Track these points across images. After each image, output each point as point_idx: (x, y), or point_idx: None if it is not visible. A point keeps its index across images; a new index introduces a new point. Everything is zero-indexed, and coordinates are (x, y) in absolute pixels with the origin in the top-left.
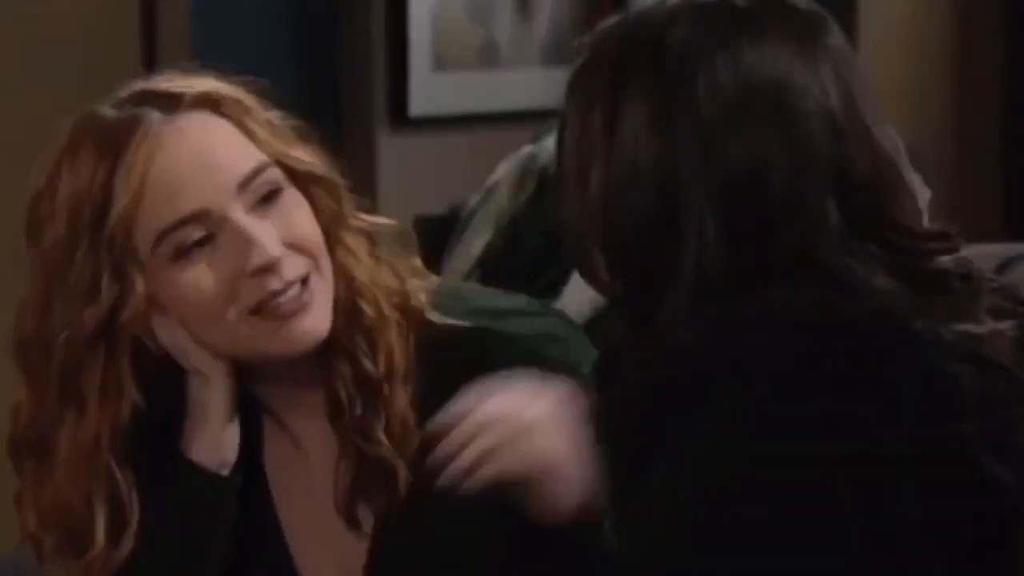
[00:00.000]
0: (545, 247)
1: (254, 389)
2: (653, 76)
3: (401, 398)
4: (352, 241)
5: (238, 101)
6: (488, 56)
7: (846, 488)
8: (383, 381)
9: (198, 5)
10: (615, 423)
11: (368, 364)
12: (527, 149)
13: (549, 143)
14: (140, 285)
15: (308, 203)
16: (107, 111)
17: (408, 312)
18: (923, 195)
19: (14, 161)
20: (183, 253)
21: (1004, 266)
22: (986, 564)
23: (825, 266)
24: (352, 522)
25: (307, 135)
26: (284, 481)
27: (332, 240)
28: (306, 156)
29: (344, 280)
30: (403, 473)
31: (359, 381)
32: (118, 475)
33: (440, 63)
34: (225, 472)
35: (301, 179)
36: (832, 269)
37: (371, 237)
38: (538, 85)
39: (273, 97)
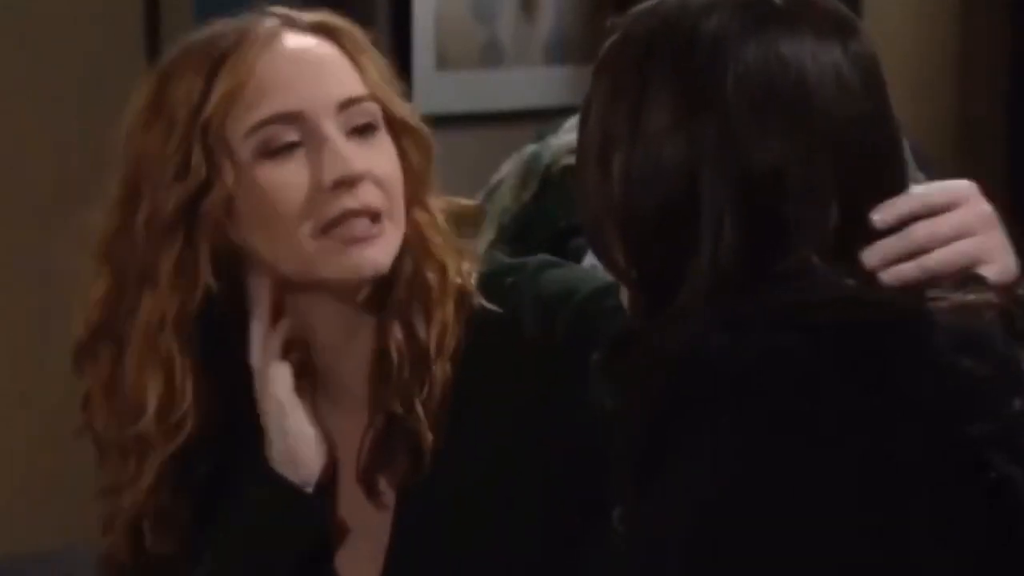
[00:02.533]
0: (548, 246)
1: (299, 352)
2: (683, 65)
3: (443, 375)
4: (432, 206)
5: (354, 36)
6: (491, 55)
7: (857, 489)
8: (433, 354)
9: (201, 4)
10: (626, 422)
11: (422, 332)
12: (530, 148)
13: (553, 142)
14: (229, 173)
15: (397, 153)
16: (220, 22)
17: (463, 294)
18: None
19: (14, 159)
20: (270, 152)
21: None
22: (996, 566)
23: (836, 268)
24: (371, 490)
25: (406, 95)
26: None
27: (412, 196)
28: (409, 110)
29: (417, 243)
30: (429, 449)
31: (410, 347)
32: (177, 359)
33: (443, 62)
34: (309, 489)
35: (397, 128)
36: (842, 271)
37: (447, 213)
38: (541, 84)
39: (380, 49)
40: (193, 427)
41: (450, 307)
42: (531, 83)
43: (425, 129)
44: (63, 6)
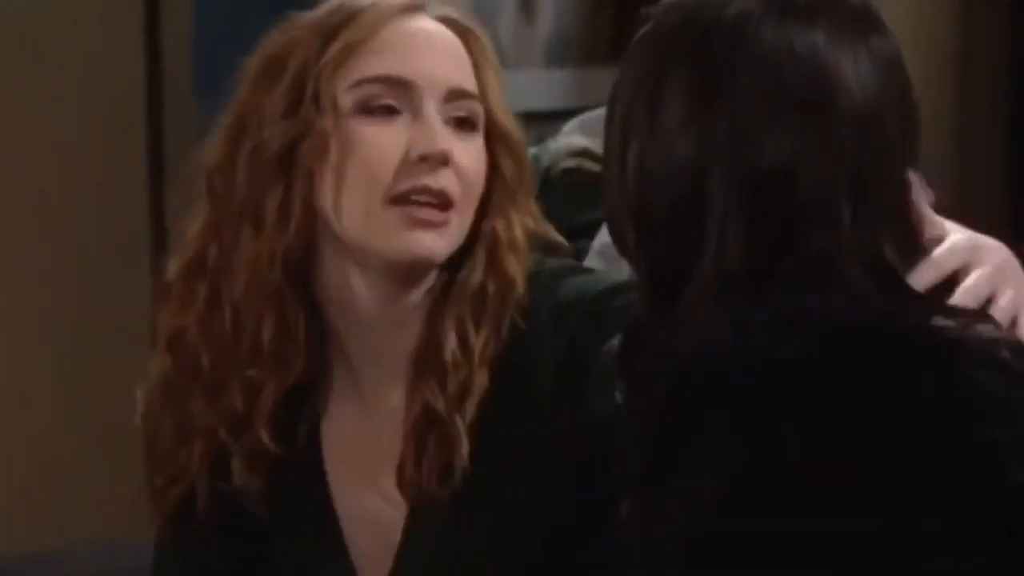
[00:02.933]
0: None
1: (341, 339)
2: (700, 58)
3: (481, 384)
4: (515, 222)
5: (481, 42)
6: None
7: (856, 490)
8: (477, 363)
9: (200, 11)
10: (632, 422)
11: (472, 340)
12: (530, 151)
13: (552, 145)
14: (329, 120)
15: (489, 161)
16: None
17: (512, 311)
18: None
19: (14, 159)
20: (368, 109)
21: None
22: (996, 570)
23: (843, 270)
24: (404, 486)
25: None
26: (340, 440)
27: (498, 206)
28: (514, 122)
29: (489, 252)
30: (462, 457)
31: (461, 354)
32: (288, 296)
33: None
34: None
35: (496, 135)
36: (850, 273)
37: (532, 236)
38: (540, 87)
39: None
40: (304, 365)
41: (501, 325)
42: (530, 86)
43: (524, 144)
44: (63, 6)
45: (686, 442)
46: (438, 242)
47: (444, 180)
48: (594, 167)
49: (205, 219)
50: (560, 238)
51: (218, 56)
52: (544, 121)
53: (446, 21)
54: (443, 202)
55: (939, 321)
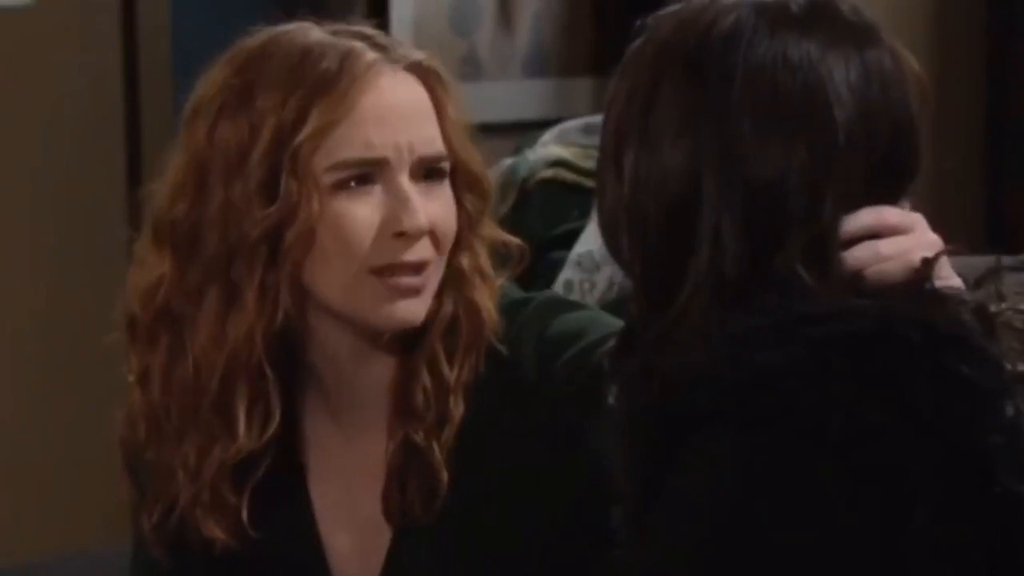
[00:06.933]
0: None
1: (317, 370)
2: (693, 66)
3: (458, 412)
4: (479, 250)
5: (444, 81)
6: (470, 68)
7: (859, 502)
8: (453, 393)
9: (177, 11)
10: (629, 438)
11: (447, 373)
12: (508, 161)
13: (530, 155)
14: (316, 204)
15: (455, 199)
16: (315, 33)
17: (487, 337)
18: (903, 206)
19: (13, 159)
20: (347, 187)
21: (985, 278)
22: None
23: (837, 277)
24: (390, 514)
25: (474, 135)
26: (322, 466)
27: (462, 240)
28: (476, 158)
29: (456, 286)
30: (443, 483)
31: (435, 387)
32: (268, 372)
33: None
34: None
35: (460, 176)
36: (844, 280)
37: (489, 248)
38: (520, 97)
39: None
40: (273, 427)
41: (478, 353)
42: (509, 96)
43: (488, 179)
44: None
45: (685, 462)
46: (419, 306)
47: (421, 251)
48: (571, 177)
49: (169, 268)
50: (516, 239)
51: (196, 47)
52: (523, 131)
53: (411, 68)
54: (420, 267)
55: (928, 317)
